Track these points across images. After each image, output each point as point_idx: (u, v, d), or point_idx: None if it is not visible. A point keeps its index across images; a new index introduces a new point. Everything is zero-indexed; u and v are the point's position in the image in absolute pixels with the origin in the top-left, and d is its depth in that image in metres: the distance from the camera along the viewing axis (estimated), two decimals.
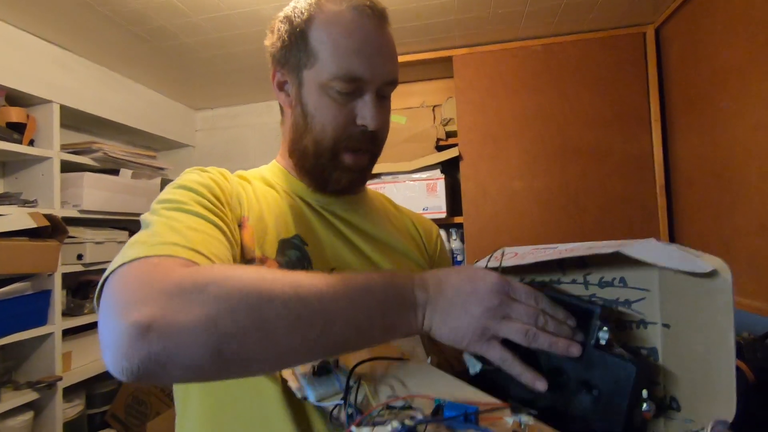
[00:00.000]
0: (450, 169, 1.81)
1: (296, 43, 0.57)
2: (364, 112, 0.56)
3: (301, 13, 0.57)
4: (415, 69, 1.88)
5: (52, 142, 1.55)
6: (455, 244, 1.81)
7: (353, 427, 0.34)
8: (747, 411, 0.86)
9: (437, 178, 1.72)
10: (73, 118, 1.79)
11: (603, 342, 0.38)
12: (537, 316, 0.40)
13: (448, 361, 0.56)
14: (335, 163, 0.58)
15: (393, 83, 0.58)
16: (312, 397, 0.40)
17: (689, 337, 0.38)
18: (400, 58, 1.76)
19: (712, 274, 0.35)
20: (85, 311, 1.67)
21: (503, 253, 0.54)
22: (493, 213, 1.69)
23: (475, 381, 0.43)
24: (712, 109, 1.30)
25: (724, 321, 0.35)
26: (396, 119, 1.80)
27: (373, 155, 0.62)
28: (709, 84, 1.31)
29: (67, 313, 1.63)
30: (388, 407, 0.37)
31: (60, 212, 1.54)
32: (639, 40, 1.61)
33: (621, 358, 0.37)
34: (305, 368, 0.43)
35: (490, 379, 0.43)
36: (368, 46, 0.55)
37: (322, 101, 0.56)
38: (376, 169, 1.78)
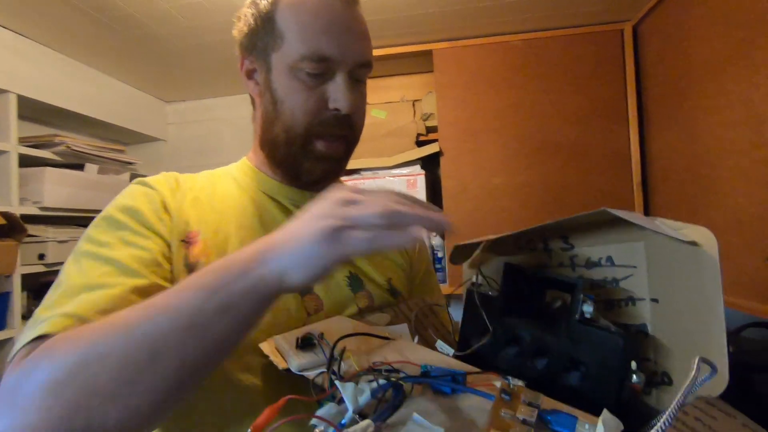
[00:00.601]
0: (430, 164, 1.79)
1: (263, 26, 0.55)
2: (336, 95, 0.53)
3: None
4: (394, 63, 1.85)
5: (8, 135, 1.45)
6: (435, 240, 1.79)
7: (337, 382, 0.32)
8: None
9: (417, 174, 1.70)
10: (32, 110, 1.68)
11: (588, 315, 0.37)
12: (387, 209, 0.34)
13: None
14: (307, 152, 0.55)
15: (366, 65, 0.56)
16: (294, 366, 0.39)
17: (678, 310, 0.38)
18: (379, 52, 1.73)
19: (695, 244, 0.35)
20: None
21: (488, 238, 0.54)
22: (473, 209, 1.68)
23: (471, 360, 0.42)
24: (688, 105, 1.31)
25: (712, 290, 0.35)
26: (376, 114, 1.77)
27: (349, 144, 0.59)
28: (685, 81, 1.33)
29: (27, 317, 1.54)
30: (374, 370, 0.35)
31: (18, 209, 1.44)
32: (617, 37, 1.62)
33: (607, 330, 0.36)
34: (289, 342, 0.42)
35: (478, 360, 0.42)
36: (336, 26, 0.53)
37: (292, 85, 0.53)
38: (355, 165, 1.74)
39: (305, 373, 0.38)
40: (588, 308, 0.37)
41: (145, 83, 2.04)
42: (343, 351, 0.39)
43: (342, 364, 0.38)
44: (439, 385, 0.34)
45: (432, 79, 1.77)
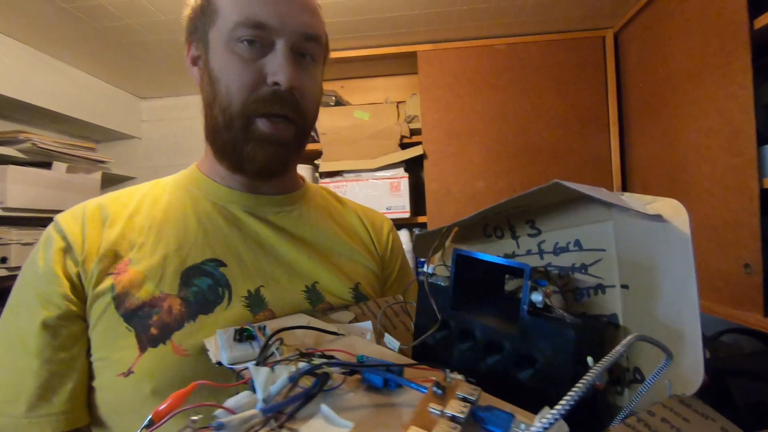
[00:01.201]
0: (413, 167, 1.77)
1: (201, 6, 0.51)
2: (274, 67, 0.48)
3: None
4: (378, 64, 1.83)
5: None
6: None
7: (250, 365, 0.29)
8: None
9: (401, 177, 1.68)
10: None
11: (539, 305, 0.33)
12: None
13: (404, 352, 0.53)
14: (248, 134, 0.50)
15: (312, 39, 0.51)
16: (225, 359, 0.36)
17: (649, 297, 0.34)
18: (363, 52, 1.71)
19: (663, 218, 0.32)
20: None
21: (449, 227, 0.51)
22: (456, 212, 1.67)
23: (424, 354, 0.40)
24: (667, 112, 1.34)
25: (684, 271, 0.31)
26: (359, 115, 1.74)
27: (300, 128, 0.53)
28: (664, 88, 1.35)
29: None
30: (302, 355, 0.32)
31: None
32: (599, 44, 1.64)
33: (559, 322, 0.32)
34: (227, 335, 0.39)
35: (433, 356, 0.40)
36: None
37: (228, 59, 0.49)
38: (338, 167, 1.72)
39: (236, 367, 0.35)
40: (537, 297, 0.33)
41: (119, 78, 1.96)
42: (279, 342, 0.36)
43: (276, 355, 0.34)
44: (369, 374, 0.30)
45: (416, 81, 1.75)
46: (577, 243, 0.40)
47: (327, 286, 0.56)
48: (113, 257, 0.48)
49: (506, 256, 0.46)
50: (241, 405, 0.26)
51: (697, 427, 0.27)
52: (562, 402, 0.22)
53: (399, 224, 1.78)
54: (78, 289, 0.47)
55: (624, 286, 0.36)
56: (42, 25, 1.46)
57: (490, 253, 0.44)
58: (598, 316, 0.37)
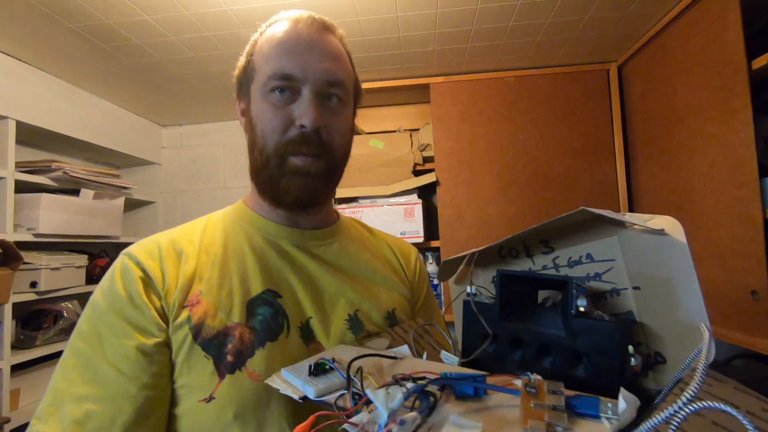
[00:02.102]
0: (426, 193, 1.83)
1: (246, 66, 0.60)
2: (300, 111, 0.54)
3: (252, 40, 0.61)
4: (391, 93, 1.91)
5: (6, 161, 1.44)
6: (431, 267, 1.82)
7: (368, 390, 0.32)
8: None
9: (415, 203, 1.74)
10: (29, 134, 1.67)
11: (583, 309, 0.39)
12: None
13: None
14: (283, 170, 0.55)
15: (335, 84, 0.57)
16: (312, 393, 0.39)
17: (659, 293, 0.40)
18: (378, 84, 1.79)
19: (664, 231, 0.38)
20: (37, 343, 1.54)
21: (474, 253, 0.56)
22: (468, 237, 1.72)
23: (477, 367, 0.44)
24: (672, 144, 1.40)
25: (686, 269, 0.37)
26: (374, 144, 1.82)
27: (328, 163, 0.57)
28: (668, 121, 1.42)
29: (16, 346, 1.49)
30: (397, 381, 0.36)
31: (12, 236, 1.42)
32: (603, 76, 1.72)
33: (602, 320, 0.38)
34: (299, 372, 0.42)
35: (485, 369, 0.44)
36: (299, 46, 0.56)
37: (262, 108, 0.56)
38: (353, 192, 1.78)
39: (325, 398, 0.38)
40: (582, 302, 0.39)
41: (141, 107, 2.05)
42: (359, 371, 0.39)
43: (361, 384, 0.37)
44: (464, 386, 0.35)
45: (428, 110, 1.83)
46: (589, 256, 0.45)
47: (367, 314, 0.61)
48: (187, 290, 0.53)
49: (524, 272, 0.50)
50: (364, 424, 0.30)
51: (718, 389, 0.33)
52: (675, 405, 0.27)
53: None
54: (163, 319, 0.51)
55: (636, 288, 0.42)
56: (77, 61, 1.55)
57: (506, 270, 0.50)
58: (618, 314, 0.43)
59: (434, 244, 1.77)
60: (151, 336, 0.50)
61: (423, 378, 0.35)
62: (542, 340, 0.41)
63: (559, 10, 1.33)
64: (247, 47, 0.61)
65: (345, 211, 1.77)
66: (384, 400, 0.30)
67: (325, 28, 0.59)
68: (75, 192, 1.69)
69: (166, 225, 2.22)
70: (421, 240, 1.72)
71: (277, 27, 0.58)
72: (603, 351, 0.38)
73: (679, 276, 0.38)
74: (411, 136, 1.85)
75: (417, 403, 0.32)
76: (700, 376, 0.29)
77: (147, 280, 0.52)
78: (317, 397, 0.38)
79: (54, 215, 1.55)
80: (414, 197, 1.77)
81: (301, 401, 0.40)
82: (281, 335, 0.53)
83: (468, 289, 0.51)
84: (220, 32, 1.37)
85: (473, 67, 1.74)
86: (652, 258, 0.40)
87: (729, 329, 1.16)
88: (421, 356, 0.51)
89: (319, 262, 0.61)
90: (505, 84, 1.76)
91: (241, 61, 0.61)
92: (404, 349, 0.51)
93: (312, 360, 0.43)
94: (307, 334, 0.55)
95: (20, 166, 1.52)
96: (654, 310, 0.41)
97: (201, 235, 0.59)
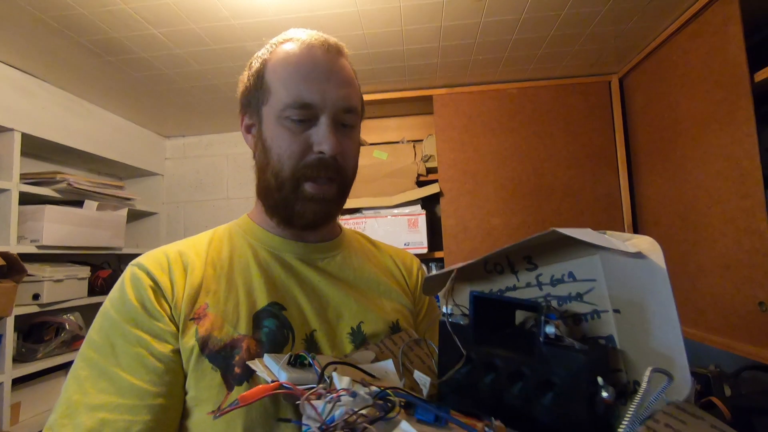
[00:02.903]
0: (429, 203, 1.84)
1: (255, 84, 0.60)
2: (319, 138, 0.56)
3: (260, 57, 0.61)
4: (394, 104, 1.92)
5: (11, 173, 1.44)
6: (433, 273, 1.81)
7: (334, 374, 0.34)
8: None
9: (418, 214, 1.74)
10: (34, 146, 1.67)
11: (552, 336, 0.39)
12: None
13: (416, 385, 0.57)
14: (297, 195, 0.57)
15: (350, 111, 0.59)
16: (284, 377, 0.40)
17: (638, 318, 0.39)
18: (382, 96, 1.81)
19: (642, 254, 0.37)
20: (39, 356, 1.52)
21: (455, 266, 0.56)
22: (472, 248, 1.72)
23: (450, 388, 0.44)
24: (676, 156, 1.41)
25: (664, 296, 0.36)
26: (377, 155, 1.82)
27: (341, 186, 0.60)
28: (671, 132, 1.43)
29: (17, 359, 1.48)
30: (363, 383, 0.36)
31: (16, 248, 1.42)
32: (605, 88, 1.74)
33: (570, 349, 0.37)
34: (279, 360, 0.43)
35: (459, 389, 0.44)
36: (317, 73, 0.56)
37: (278, 132, 0.56)
38: (357, 204, 1.78)
39: (293, 388, 0.39)
40: (551, 329, 0.38)
41: (144, 119, 2.06)
42: (334, 371, 0.40)
43: (331, 383, 0.39)
44: (426, 410, 0.35)
45: (431, 121, 1.84)
46: (571, 275, 0.44)
47: (371, 326, 0.61)
48: (194, 302, 0.53)
49: (507, 289, 0.50)
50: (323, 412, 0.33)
51: (693, 427, 0.32)
52: None
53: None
54: (175, 327, 0.51)
55: (616, 311, 0.41)
56: (85, 76, 1.56)
57: (491, 286, 0.50)
58: (597, 338, 0.42)
59: (438, 254, 1.77)
60: (165, 343, 0.50)
61: (392, 388, 0.36)
62: (514, 366, 0.41)
63: (562, 24, 1.35)
64: (255, 63, 0.61)
65: (349, 221, 1.77)
66: (346, 385, 0.33)
67: (338, 52, 0.60)
68: (79, 203, 1.69)
69: (168, 236, 2.22)
70: (425, 251, 1.72)
71: (290, 49, 0.59)
72: (570, 381, 0.37)
73: (657, 303, 0.37)
74: (414, 147, 1.86)
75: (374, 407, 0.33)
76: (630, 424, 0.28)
77: (157, 289, 0.52)
78: (288, 385, 0.39)
79: (58, 227, 1.54)
80: (417, 208, 1.77)
81: (271, 382, 0.41)
82: (286, 347, 0.53)
83: (444, 309, 0.52)
84: (227, 45, 1.39)
85: (476, 78, 1.76)
86: (631, 281, 0.39)
87: (737, 341, 1.15)
88: (403, 375, 0.51)
89: (323, 274, 0.62)
90: (507, 95, 1.77)
91: (248, 76, 0.61)
92: (389, 365, 0.51)
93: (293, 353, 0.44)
94: (311, 346, 0.56)
95: (25, 177, 1.52)
96: (632, 336, 0.40)
97: (207, 247, 0.59)
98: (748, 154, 1.11)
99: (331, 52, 0.59)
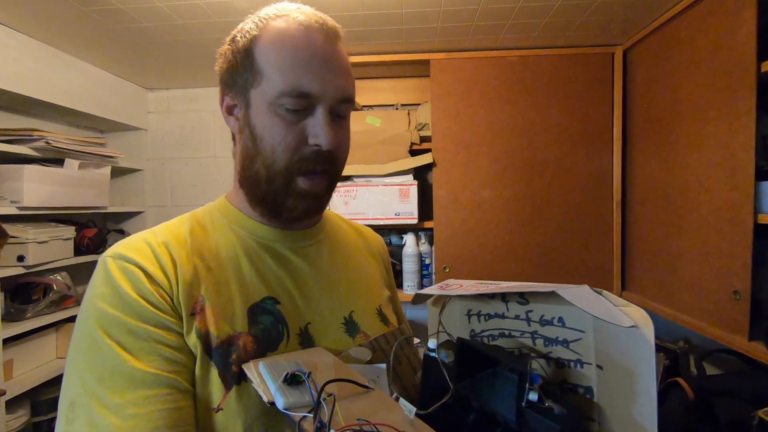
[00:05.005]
0: (421, 172, 1.82)
1: (242, 62, 0.54)
2: (316, 130, 0.53)
3: (247, 32, 0.55)
4: (389, 66, 1.84)
5: None
6: (423, 247, 1.84)
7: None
8: (688, 427, 0.98)
9: (410, 184, 1.72)
10: (6, 100, 1.58)
11: (534, 400, 0.40)
12: None
13: (407, 390, 0.60)
14: (289, 189, 0.55)
15: (348, 101, 0.56)
16: (281, 404, 0.40)
17: (618, 383, 0.41)
18: (377, 58, 1.72)
19: (635, 326, 0.38)
20: (28, 315, 1.53)
21: (448, 284, 0.58)
22: (462, 220, 1.73)
23: (430, 418, 0.46)
24: (671, 139, 1.40)
25: (646, 371, 0.38)
26: (371, 121, 1.77)
27: (331, 179, 0.58)
28: (669, 112, 1.41)
29: (7, 319, 1.49)
30: (361, 429, 0.37)
31: None
32: (608, 60, 1.68)
33: (548, 415, 0.39)
34: (274, 373, 0.43)
35: (441, 420, 0.46)
36: (317, 61, 0.53)
37: (271, 121, 0.53)
38: (348, 171, 1.75)
39: (290, 413, 0.39)
40: (533, 396, 0.40)
41: (126, 70, 1.94)
42: (331, 396, 0.40)
43: (326, 409, 0.39)
44: None
45: (427, 85, 1.78)
46: (561, 320, 0.45)
47: (361, 314, 0.63)
48: (189, 296, 0.51)
49: (496, 315, 0.51)
50: None
51: None
52: None
53: (406, 229, 1.84)
54: (180, 321, 0.49)
55: (599, 366, 0.43)
56: (61, 26, 1.44)
57: (480, 308, 0.51)
58: (577, 386, 0.44)
59: (428, 224, 1.78)
60: (177, 334, 0.49)
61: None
62: (492, 414, 0.43)
63: None
64: (241, 39, 0.55)
65: (340, 188, 1.75)
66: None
67: (334, 35, 0.56)
68: (59, 162, 1.62)
69: (155, 194, 2.18)
70: (415, 221, 1.72)
71: (285, 29, 0.54)
72: None
73: (639, 374, 0.38)
74: (409, 114, 1.81)
75: None
76: None
77: (153, 281, 0.49)
78: (285, 409, 0.40)
79: (39, 187, 1.49)
80: (410, 178, 1.75)
81: (269, 405, 0.41)
82: (281, 344, 0.54)
83: (429, 344, 0.52)
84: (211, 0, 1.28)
85: (476, 44, 1.68)
86: (618, 345, 0.40)
87: (709, 324, 1.21)
88: (395, 372, 0.53)
89: (312, 263, 0.61)
90: (507, 63, 1.71)
91: (233, 52, 0.56)
92: (381, 369, 0.53)
93: (290, 366, 0.44)
94: (305, 340, 0.56)
95: None
96: (611, 395, 0.41)
97: (189, 237, 0.56)
98: (743, 145, 1.11)
99: (330, 38, 0.55)
